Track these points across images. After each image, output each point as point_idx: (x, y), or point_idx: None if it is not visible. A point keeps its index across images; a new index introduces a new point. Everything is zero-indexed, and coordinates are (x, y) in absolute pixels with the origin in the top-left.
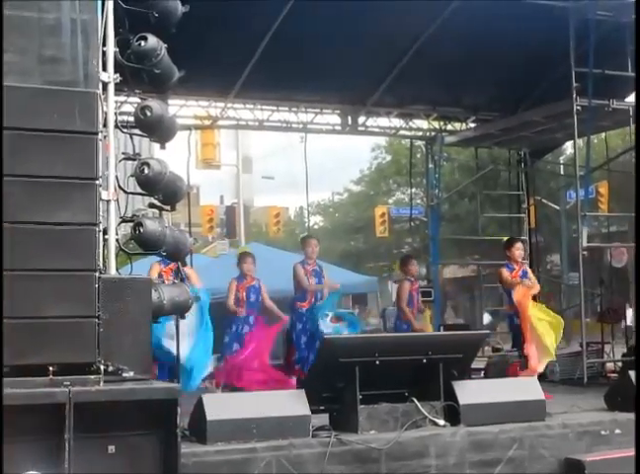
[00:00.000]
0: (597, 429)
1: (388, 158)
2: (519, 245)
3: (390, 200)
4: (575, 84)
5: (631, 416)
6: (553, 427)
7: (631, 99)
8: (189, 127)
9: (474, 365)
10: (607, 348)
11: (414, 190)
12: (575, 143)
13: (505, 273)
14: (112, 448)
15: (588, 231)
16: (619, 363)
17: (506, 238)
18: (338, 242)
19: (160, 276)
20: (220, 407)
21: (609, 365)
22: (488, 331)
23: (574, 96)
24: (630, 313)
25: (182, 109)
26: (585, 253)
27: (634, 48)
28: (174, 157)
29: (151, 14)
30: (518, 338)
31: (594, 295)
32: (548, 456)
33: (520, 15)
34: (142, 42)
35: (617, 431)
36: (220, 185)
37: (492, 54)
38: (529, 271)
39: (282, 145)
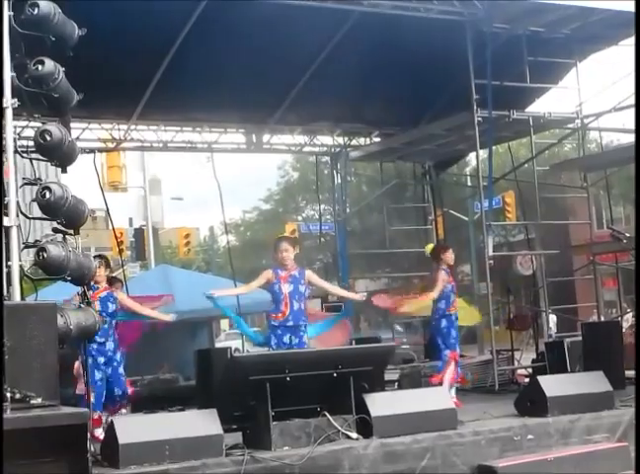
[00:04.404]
0: (508, 434)
1: (295, 175)
2: (452, 250)
3: (300, 217)
4: (475, 96)
5: (541, 420)
6: (465, 434)
7: (531, 109)
8: (92, 150)
9: (388, 377)
10: (517, 354)
11: (323, 206)
12: (477, 154)
13: (443, 275)
14: None
15: (494, 240)
16: (529, 370)
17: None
18: (249, 260)
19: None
20: (132, 429)
21: (520, 372)
22: (395, 343)
23: (474, 108)
24: (553, 319)
25: (85, 132)
26: (491, 262)
27: (634, 50)
28: (81, 181)
29: (47, 37)
30: (433, 348)
31: (503, 304)
32: (460, 464)
33: (418, 29)
34: (39, 66)
35: (529, 436)
36: (129, 207)
37: (391, 69)
38: None
39: (191, 166)
